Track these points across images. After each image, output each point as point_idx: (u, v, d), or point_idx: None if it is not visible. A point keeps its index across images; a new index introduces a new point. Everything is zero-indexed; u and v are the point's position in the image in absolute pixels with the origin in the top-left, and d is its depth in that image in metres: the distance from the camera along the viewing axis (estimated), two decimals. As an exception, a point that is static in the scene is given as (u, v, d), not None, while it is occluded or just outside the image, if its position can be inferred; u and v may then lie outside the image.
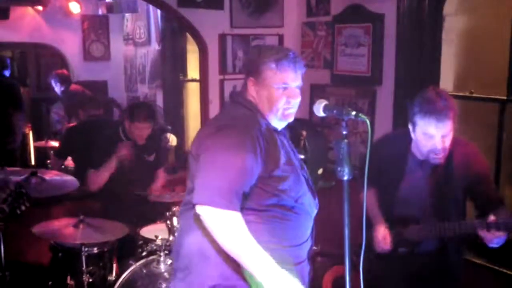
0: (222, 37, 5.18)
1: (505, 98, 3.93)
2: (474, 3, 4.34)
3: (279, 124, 2.45)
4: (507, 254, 3.91)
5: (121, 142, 4.24)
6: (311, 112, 5.28)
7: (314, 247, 4.30)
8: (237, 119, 2.36)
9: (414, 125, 2.88)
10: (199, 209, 2.20)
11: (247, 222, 2.23)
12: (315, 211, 2.51)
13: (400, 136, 3.12)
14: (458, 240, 3.05)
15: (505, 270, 3.81)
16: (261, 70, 2.37)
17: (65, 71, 7.69)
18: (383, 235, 3.04)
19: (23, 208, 3.27)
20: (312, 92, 5.30)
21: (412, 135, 2.94)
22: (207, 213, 2.18)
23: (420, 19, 4.31)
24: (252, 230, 2.22)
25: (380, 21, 4.56)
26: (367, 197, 2.98)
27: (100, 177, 4.18)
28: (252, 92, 2.41)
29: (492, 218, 2.70)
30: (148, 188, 4.34)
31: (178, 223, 3.37)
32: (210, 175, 2.21)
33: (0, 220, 3.31)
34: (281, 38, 5.46)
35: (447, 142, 2.84)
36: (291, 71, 2.36)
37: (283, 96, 2.36)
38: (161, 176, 4.50)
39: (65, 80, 7.34)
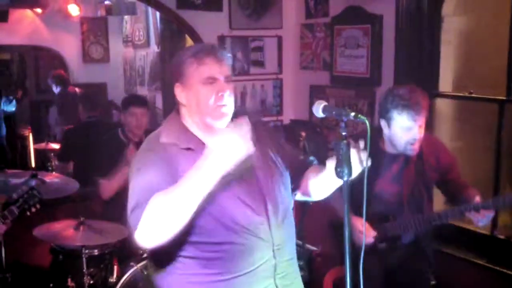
0: (221, 39, 5.19)
1: (504, 98, 3.93)
2: (472, 3, 4.35)
3: (217, 124, 2.14)
4: (507, 255, 3.92)
5: (122, 144, 4.22)
6: (310, 113, 5.29)
7: (315, 248, 4.32)
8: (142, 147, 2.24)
9: (389, 120, 3.02)
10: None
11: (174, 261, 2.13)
12: (266, 230, 2.15)
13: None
14: (429, 232, 3.24)
15: (505, 271, 3.81)
16: (183, 71, 2.13)
17: (61, 72, 7.70)
18: (361, 227, 3.01)
19: (33, 210, 3.28)
20: (312, 93, 5.31)
21: (386, 131, 3.07)
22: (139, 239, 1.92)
23: (418, 20, 4.32)
24: (181, 267, 2.12)
25: (379, 22, 4.57)
26: (337, 200, 3.05)
27: (112, 186, 4.14)
28: (182, 99, 2.17)
29: (477, 199, 2.91)
30: None
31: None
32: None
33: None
34: (280, 39, 5.47)
35: (422, 131, 3.00)
36: (213, 62, 2.10)
37: (212, 92, 2.09)
38: None
39: (61, 81, 7.36)
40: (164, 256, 2.17)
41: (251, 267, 2.13)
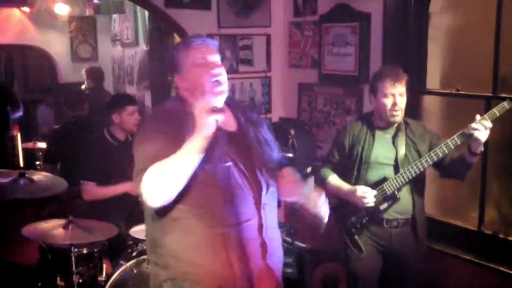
0: (210, 37, 5.16)
1: (490, 95, 3.96)
2: (459, 1, 4.38)
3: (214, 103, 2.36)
4: (494, 250, 3.96)
5: (109, 145, 4.22)
6: (299, 111, 5.32)
7: (304, 245, 4.34)
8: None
9: (375, 92, 3.42)
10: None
11: (175, 212, 2.32)
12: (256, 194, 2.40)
13: (362, 116, 3.72)
14: (424, 218, 3.56)
15: (493, 266, 3.85)
16: (178, 61, 2.41)
17: (96, 66, 7.66)
18: (363, 190, 3.39)
19: None
20: (300, 91, 5.33)
21: (374, 103, 3.47)
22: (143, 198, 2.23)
23: (406, 17, 4.35)
24: (178, 222, 2.32)
25: (367, 20, 4.59)
26: (333, 181, 3.56)
27: (98, 193, 4.15)
28: (183, 86, 2.43)
29: (477, 117, 3.17)
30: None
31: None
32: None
33: None
34: (268, 38, 5.48)
35: (403, 102, 3.38)
36: (201, 46, 2.38)
37: (206, 74, 2.30)
38: None
39: (96, 75, 7.35)
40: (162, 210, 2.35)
41: (240, 221, 2.33)
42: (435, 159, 3.30)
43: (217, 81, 2.31)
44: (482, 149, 3.26)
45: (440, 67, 4.47)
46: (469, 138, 3.18)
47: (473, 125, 3.13)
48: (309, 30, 5.22)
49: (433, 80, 4.45)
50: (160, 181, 2.18)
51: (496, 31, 3.90)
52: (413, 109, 4.16)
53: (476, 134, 3.12)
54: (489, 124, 3.13)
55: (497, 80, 3.95)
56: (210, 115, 2.12)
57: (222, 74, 2.34)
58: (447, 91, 4.32)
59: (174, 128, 2.29)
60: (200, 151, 2.16)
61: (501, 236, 4.01)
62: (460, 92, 4.16)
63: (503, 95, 3.90)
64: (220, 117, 2.15)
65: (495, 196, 4.17)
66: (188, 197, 2.27)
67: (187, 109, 2.32)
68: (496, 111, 3.16)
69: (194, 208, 2.31)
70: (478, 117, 3.15)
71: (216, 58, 2.40)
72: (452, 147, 3.26)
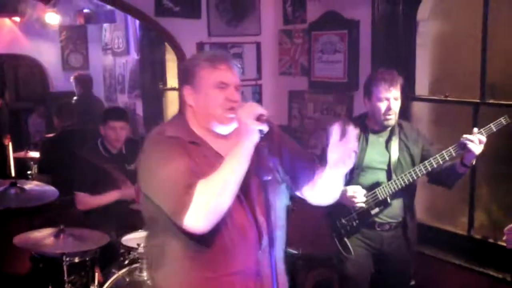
0: (200, 46, 5.20)
1: (478, 101, 4.01)
2: (446, 8, 4.43)
3: (221, 129, 2.21)
4: (484, 255, 3.99)
5: (101, 156, 4.23)
6: (290, 118, 5.34)
7: (296, 252, 4.36)
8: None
9: (370, 95, 3.43)
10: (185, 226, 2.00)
11: (169, 247, 2.16)
12: (255, 233, 2.19)
13: (356, 118, 3.72)
14: (415, 222, 3.60)
15: (482, 270, 3.87)
16: (195, 73, 2.19)
17: (85, 73, 7.69)
18: (353, 190, 3.41)
19: None
20: (291, 98, 5.35)
21: (368, 106, 3.48)
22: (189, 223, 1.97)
23: (394, 24, 4.39)
24: (170, 262, 2.17)
25: (356, 27, 4.63)
26: None
27: (92, 203, 4.17)
28: (190, 101, 2.22)
29: (474, 130, 3.18)
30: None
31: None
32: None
33: None
34: (258, 46, 5.50)
35: (397, 106, 3.41)
36: (226, 68, 2.17)
37: (222, 97, 2.15)
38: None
39: (83, 82, 7.36)
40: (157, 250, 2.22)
41: (236, 268, 2.16)
42: (429, 169, 3.32)
43: (231, 107, 2.15)
44: (474, 162, 3.28)
45: (429, 73, 4.52)
46: (463, 150, 3.20)
47: (469, 138, 3.14)
48: (299, 38, 5.25)
49: (421, 86, 4.49)
50: (214, 197, 1.95)
51: (483, 38, 3.95)
52: (402, 115, 4.19)
53: (471, 147, 3.13)
54: (484, 138, 3.15)
55: (484, 86, 3.99)
56: (256, 124, 2.00)
57: (238, 101, 2.17)
58: (436, 97, 4.36)
59: (182, 147, 2.12)
60: (249, 159, 2.00)
61: (491, 240, 4.05)
62: (449, 99, 4.20)
63: (491, 101, 3.95)
64: (265, 128, 2.02)
65: (484, 201, 4.21)
66: (186, 236, 2.05)
67: (193, 138, 2.19)
68: (493, 126, 3.18)
69: (190, 247, 2.12)
70: (475, 130, 3.17)
71: (236, 83, 2.19)
72: (447, 158, 3.28)
